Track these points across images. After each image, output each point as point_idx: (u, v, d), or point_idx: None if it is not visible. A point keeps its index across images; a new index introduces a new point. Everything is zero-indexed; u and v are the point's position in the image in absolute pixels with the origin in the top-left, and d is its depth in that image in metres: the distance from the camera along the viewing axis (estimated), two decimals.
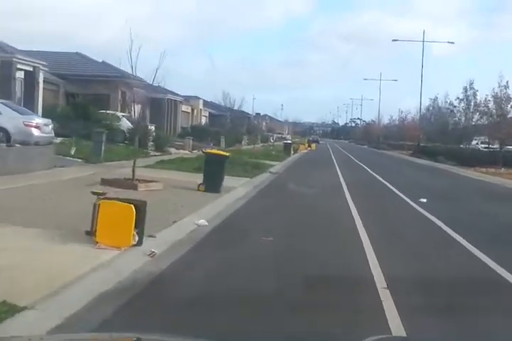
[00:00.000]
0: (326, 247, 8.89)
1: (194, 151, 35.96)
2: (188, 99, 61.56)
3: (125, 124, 31.22)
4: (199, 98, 65.07)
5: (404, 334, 4.89)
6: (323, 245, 9.10)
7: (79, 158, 20.73)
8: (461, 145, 50.80)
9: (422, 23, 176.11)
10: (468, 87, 41.66)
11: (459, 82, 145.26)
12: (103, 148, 21.15)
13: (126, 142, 30.56)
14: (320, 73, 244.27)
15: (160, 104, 50.80)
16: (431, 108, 49.24)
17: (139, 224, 7.71)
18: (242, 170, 22.34)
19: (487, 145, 55.39)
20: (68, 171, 16.67)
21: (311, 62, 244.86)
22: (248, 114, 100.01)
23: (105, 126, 29.92)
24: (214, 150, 14.98)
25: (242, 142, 57.49)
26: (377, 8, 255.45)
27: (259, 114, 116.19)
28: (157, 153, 28.13)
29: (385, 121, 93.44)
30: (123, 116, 32.80)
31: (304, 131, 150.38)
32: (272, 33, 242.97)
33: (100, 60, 37.22)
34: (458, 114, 42.44)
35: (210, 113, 74.29)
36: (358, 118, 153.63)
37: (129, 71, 16.47)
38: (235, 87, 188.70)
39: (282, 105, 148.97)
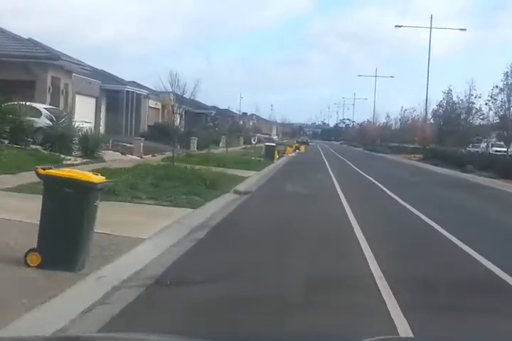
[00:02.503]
0: None
1: (147, 156, 27.57)
2: (158, 94, 52.94)
3: (44, 120, 22.74)
4: (172, 92, 55.92)
5: None
6: None
7: None
8: (468, 148, 42.61)
9: (422, 22, 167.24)
10: (510, 72, 32.37)
11: (463, 80, 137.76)
12: None
13: (47, 144, 22.11)
14: (312, 73, 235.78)
15: (117, 98, 42.36)
16: (444, 102, 40.40)
17: None
18: (188, 192, 13.96)
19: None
20: None
21: (303, 62, 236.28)
22: (233, 112, 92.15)
23: (11, 121, 21.49)
24: (63, 172, 6.34)
25: (220, 144, 49.19)
26: (375, 6, 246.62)
27: (245, 113, 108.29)
28: (78, 162, 19.62)
29: (382, 121, 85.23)
30: (46, 109, 24.27)
31: (294, 132, 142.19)
32: (264, 33, 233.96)
33: (26, 37, 28.63)
34: (493, 109, 33.50)
35: (186, 110, 65.74)
36: (348, 119, 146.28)
37: None
38: (228, 87, 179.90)
39: (272, 105, 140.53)
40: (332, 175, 24.70)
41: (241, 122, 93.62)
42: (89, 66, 35.22)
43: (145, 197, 12.61)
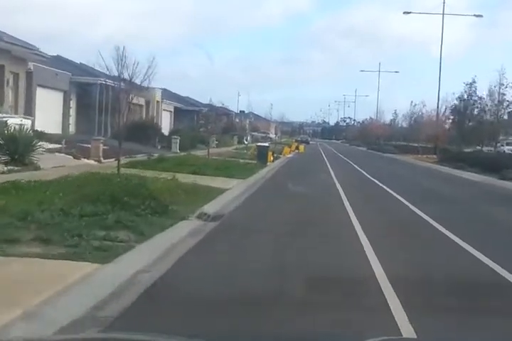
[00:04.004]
0: None
1: (107, 161, 22.34)
2: (141, 89, 47.48)
3: None
4: (159, 88, 50.00)
5: None
6: None
7: None
8: (479, 147, 37.45)
9: (426, 19, 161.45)
10: None
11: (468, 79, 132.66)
12: None
13: None
14: (312, 71, 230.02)
15: (90, 92, 37.13)
16: (465, 95, 34.98)
17: None
18: (117, 222, 8.83)
19: None
20: None
21: (303, 59, 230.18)
22: (229, 110, 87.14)
23: None
24: None
25: (210, 144, 43.98)
26: (378, 1, 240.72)
27: (243, 111, 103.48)
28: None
29: (386, 118, 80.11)
30: None
31: (293, 131, 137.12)
32: (263, 29, 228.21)
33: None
34: None
35: (175, 107, 60.64)
36: (349, 118, 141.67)
37: None
38: (226, 85, 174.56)
39: (272, 104, 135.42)
40: (338, 185, 19.47)
41: (237, 120, 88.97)
42: (52, 55, 30.10)
43: (28, 240, 7.44)
